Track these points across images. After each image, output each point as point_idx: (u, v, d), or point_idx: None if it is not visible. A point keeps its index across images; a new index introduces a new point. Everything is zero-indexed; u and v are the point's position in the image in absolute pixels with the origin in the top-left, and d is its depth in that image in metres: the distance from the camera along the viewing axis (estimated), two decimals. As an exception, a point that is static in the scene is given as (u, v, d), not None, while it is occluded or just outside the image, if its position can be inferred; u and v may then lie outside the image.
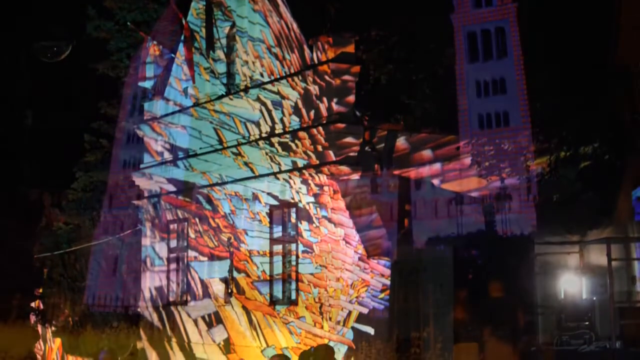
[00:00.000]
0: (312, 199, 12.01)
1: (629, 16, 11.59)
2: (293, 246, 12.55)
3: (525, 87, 27.90)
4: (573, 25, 17.95)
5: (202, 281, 14.43)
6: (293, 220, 12.66)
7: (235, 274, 13.17)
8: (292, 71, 12.61)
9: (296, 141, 12.30)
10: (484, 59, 29.13)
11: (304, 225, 12.15)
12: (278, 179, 12.80)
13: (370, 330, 10.90)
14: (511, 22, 29.12)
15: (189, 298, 14.89)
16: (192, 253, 14.93)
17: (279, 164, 12.78)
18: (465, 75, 28.81)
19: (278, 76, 12.88)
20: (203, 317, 14.20)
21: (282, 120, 12.89)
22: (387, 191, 12.60)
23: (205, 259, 14.44)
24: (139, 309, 16.77)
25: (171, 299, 15.47)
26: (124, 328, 16.97)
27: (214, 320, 13.90)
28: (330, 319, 11.29)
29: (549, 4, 19.68)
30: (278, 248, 12.95)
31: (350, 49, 11.76)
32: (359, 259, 11.18)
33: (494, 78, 28.61)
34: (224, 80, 14.37)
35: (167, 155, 15.82)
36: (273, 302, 12.56)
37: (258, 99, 13.26)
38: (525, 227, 21.50)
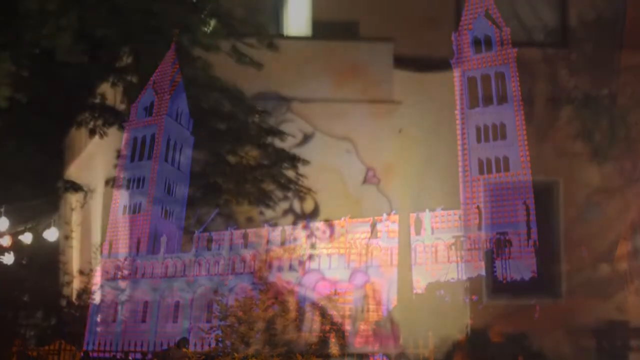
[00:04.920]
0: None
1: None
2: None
3: (525, 132, 28.14)
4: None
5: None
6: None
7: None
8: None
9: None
10: (484, 104, 29.46)
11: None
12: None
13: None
14: (511, 67, 29.61)
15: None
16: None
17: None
18: (466, 120, 29.11)
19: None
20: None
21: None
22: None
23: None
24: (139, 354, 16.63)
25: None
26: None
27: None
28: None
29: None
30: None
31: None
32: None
33: (494, 123, 28.84)
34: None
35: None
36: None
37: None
38: (525, 272, 21.49)
